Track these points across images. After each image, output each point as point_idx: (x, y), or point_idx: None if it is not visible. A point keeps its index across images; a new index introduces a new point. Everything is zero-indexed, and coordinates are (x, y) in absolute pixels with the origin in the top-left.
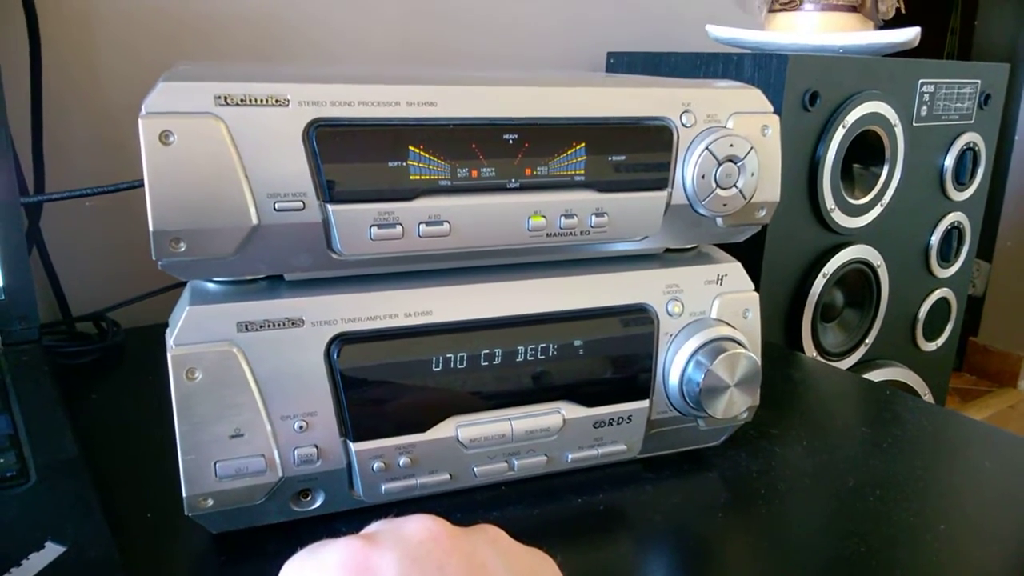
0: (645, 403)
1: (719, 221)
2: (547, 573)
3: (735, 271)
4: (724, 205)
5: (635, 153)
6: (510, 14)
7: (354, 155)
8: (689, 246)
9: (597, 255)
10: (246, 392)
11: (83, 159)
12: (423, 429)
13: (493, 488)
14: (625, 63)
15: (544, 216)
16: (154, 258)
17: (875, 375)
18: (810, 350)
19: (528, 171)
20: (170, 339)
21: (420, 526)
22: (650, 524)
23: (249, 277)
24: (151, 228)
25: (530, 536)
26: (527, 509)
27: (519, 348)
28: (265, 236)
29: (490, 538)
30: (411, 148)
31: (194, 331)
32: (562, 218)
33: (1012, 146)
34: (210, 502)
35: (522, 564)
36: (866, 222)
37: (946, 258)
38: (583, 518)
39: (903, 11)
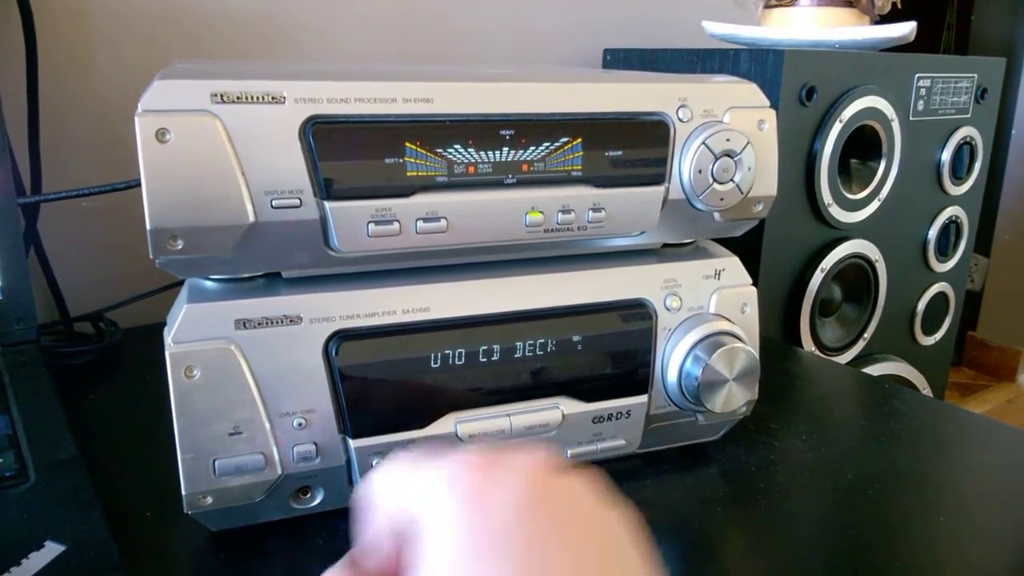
0: (644, 398)
1: (716, 216)
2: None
3: (733, 266)
4: (721, 200)
5: (632, 148)
6: (506, 10)
7: (351, 152)
8: (687, 241)
9: (595, 250)
10: (245, 390)
11: (80, 159)
12: (422, 425)
13: None
14: (621, 59)
15: (541, 212)
16: (151, 256)
17: (874, 369)
18: (808, 345)
19: (525, 167)
20: (168, 337)
21: (537, 463)
22: (649, 519)
23: (247, 275)
24: (148, 226)
25: None
26: None
27: (517, 344)
28: (262, 233)
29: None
30: (408, 145)
31: (192, 329)
32: (559, 214)
33: (1009, 140)
34: (209, 500)
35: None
36: (864, 217)
37: (944, 252)
38: None
39: (899, 6)
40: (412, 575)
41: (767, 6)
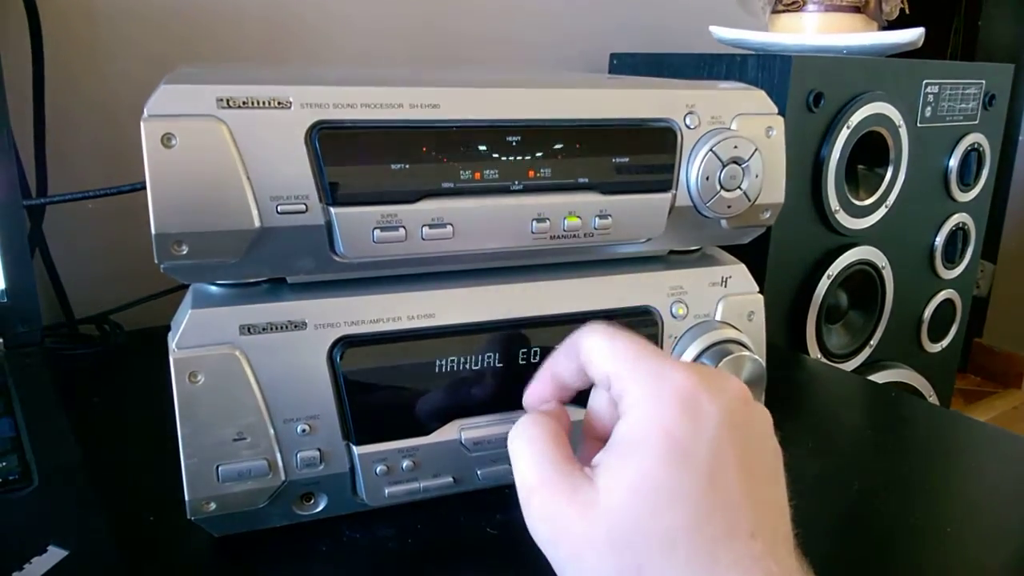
0: None
1: (723, 223)
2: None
3: (739, 273)
4: (728, 207)
5: (639, 155)
6: (513, 13)
7: (357, 157)
8: (693, 248)
9: (601, 257)
10: (249, 395)
11: (85, 161)
12: (426, 432)
13: (497, 491)
14: (628, 64)
15: (548, 218)
16: (156, 261)
17: (880, 377)
18: (814, 352)
19: (531, 173)
20: (172, 342)
21: (743, 393)
22: None
23: (252, 280)
24: (153, 231)
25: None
26: None
27: (522, 351)
28: (268, 239)
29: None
30: (414, 150)
31: (196, 334)
32: (565, 220)
33: (1016, 147)
34: (213, 506)
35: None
36: (871, 223)
37: (951, 259)
38: None
39: (907, 11)
40: (617, 444)
41: (775, 11)
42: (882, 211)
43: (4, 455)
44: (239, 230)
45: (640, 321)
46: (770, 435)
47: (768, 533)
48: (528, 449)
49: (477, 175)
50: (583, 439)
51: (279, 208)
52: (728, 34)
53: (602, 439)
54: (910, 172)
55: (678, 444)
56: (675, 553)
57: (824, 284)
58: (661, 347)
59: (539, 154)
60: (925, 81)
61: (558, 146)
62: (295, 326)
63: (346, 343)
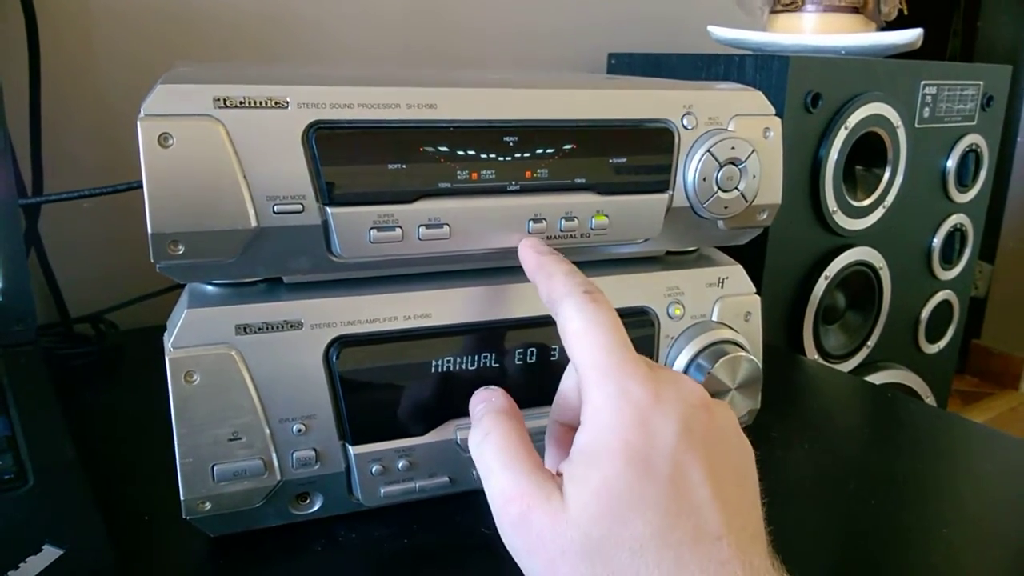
0: None
1: (720, 224)
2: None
3: (736, 274)
4: (725, 208)
5: (636, 155)
6: (510, 15)
7: (353, 157)
8: (690, 248)
9: (598, 258)
10: (244, 395)
11: (81, 160)
12: (422, 432)
13: None
14: (626, 64)
15: (544, 219)
16: (152, 261)
17: (877, 378)
18: (812, 353)
19: (528, 173)
20: (168, 342)
21: (701, 399)
22: None
23: (248, 280)
24: (149, 231)
25: None
26: None
27: (519, 351)
28: (264, 239)
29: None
30: (410, 150)
31: (192, 334)
32: (562, 221)
33: (1014, 148)
34: (208, 505)
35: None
36: (868, 224)
37: (948, 260)
38: None
39: (905, 12)
40: (580, 454)
41: (773, 11)
42: (880, 212)
43: None
44: (235, 230)
45: (637, 322)
46: (736, 434)
47: (735, 534)
48: (499, 458)
49: (474, 175)
50: (551, 424)
51: (275, 208)
52: (726, 34)
53: (569, 424)
54: (908, 173)
55: (637, 454)
56: (644, 560)
57: (821, 285)
58: (657, 348)
59: (536, 154)
60: (923, 82)
61: (555, 146)
62: (291, 326)
63: (342, 343)
